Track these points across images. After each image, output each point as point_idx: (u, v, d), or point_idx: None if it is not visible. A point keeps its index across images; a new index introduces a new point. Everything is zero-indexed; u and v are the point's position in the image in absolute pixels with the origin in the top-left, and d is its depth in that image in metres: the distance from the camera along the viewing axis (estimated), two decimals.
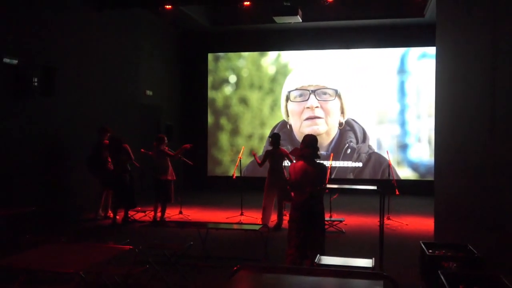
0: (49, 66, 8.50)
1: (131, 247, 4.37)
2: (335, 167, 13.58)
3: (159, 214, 9.18)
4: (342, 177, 13.56)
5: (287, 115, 14.14)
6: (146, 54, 12.41)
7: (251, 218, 9.48)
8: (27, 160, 8.29)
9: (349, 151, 13.63)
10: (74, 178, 9.44)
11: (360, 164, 13.62)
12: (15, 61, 7.80)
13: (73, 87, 9.46)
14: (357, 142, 13.65)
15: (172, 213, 9.89)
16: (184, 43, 14.75)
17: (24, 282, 4.46)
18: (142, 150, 9.67)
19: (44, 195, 8.57)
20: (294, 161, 5.55)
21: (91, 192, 9.72)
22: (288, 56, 14.22)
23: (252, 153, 9.60)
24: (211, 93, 14.74)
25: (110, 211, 9.41)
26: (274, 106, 14.27)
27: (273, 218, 8.88)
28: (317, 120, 13.76)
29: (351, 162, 13.64)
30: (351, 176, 13.64)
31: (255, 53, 14.45)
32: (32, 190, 8.29)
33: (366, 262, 4.54)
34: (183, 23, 13.64)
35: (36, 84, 8.18)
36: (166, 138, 9.34)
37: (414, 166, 13.58)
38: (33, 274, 4.99)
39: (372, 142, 13.64)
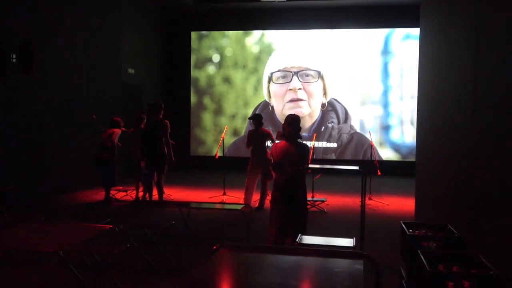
0: (27, 42, 8.30)
1: (111, 226, 4.32)
2: (318, 147, 13.61)
3: (141, 194, 9.13)
4: (324, 157, 13.61)
5: (269, 96, 14.06)
6: (127, 32, 12.18)
7: (234, 198, 9.48)
8: (5, 138, 8.13)
9: (328, 130, 13.62)
10: (52, 158, 9.31)
11: (341, 144, 13.66)
12: None
13: (52, 64, 9.27)
14: (339, 122, 13.67)
15: (155, 193, 9.81)
16: (167, 20, 14.52)
17: (2, 262, 4.40)
18: (94, 116, 9.51)
19: (21, 174, 8.45)
20: (277, 141, 5.53)
21: (69, 172, 9.60)
22: (272, 36, 14.10)
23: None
24: (194, 72, 14.58)
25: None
26: (258, 86, 14.18)
27: (256, 198, 8.89)
28: (300, 103, 13.71)
29: (332, 142, 13.67)
30: (333, 157, 13.70)
31: (239, 32, 14.29)
32: (8, 169, 8.15)
33: (347, 242, 4.57)
34: (166, 0, 13.40)
35: (14, 60, 8.00)
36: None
37: (396, 147, 13.68)
38: (11, 253, 4.93)
39: (355, 123, 13.68)
